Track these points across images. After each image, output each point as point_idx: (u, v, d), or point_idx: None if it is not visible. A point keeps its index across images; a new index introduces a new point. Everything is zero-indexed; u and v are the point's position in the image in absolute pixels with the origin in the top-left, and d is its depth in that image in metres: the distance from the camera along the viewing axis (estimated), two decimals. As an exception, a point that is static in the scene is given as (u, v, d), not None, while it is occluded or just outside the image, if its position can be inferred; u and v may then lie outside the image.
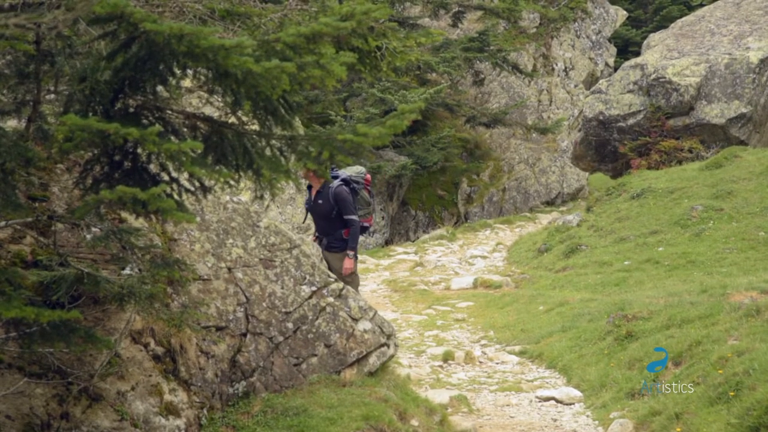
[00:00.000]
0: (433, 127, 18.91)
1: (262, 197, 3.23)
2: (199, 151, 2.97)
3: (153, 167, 3.03)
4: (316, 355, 4.91)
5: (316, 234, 7.13)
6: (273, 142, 3.09)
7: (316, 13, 3.19)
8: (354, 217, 6.89)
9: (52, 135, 2.98)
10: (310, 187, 6.98)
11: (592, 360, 6.94)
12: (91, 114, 2.89)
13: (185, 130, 3.11)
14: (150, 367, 3.94)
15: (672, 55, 17.51)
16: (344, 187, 6.85)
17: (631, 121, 17.07)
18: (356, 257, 6.98)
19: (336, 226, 6.86)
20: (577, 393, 6.41)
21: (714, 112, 16.35)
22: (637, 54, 21.27)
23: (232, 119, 3.10)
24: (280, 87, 2.66)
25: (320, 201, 6.81)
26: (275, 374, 4.75)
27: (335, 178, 6.88)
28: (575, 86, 23.11)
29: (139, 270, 3.59)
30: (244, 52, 2.58)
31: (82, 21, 2.78)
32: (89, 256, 3.72)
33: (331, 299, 5.09)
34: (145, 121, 3.01)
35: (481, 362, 7.82)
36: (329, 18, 2.75)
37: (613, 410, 5.76)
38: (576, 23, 23.51)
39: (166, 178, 3.05)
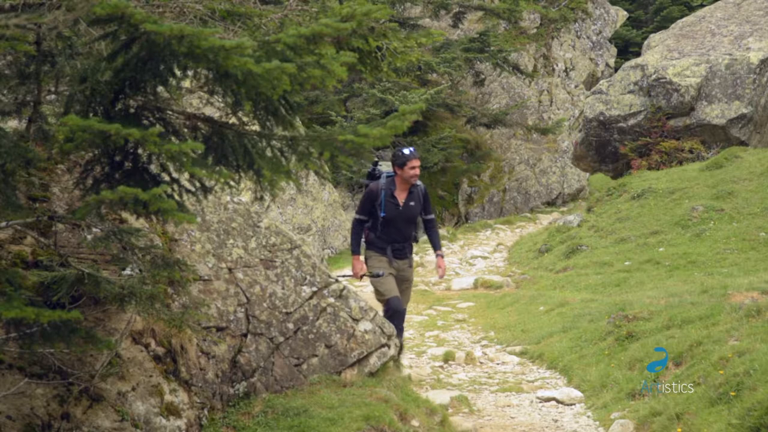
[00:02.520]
0: (433, 128, 18.91)
1: (262, 198, 3.23)
2: (200, 152, 2.97)
3: (154, 168, 3.03)
4: (316, 356, 4.91)
5: (379, 246, 6.25)
6: (274, 142, 3.09)
7: (317, 14, 3.19)
8: (434, 215, 6.51)
9: (53, 135, 2.99)
10: (379, 192, 6.19)
11: (593, 360, 6.93)
12: (91, 114, 2.90)
13: (186, 130, 3.11)
14: (151, 368, 3.94)
15: (672, 55, 17.51)
16: None
17: (631, 122, 17.07)
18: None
19: (414, 229, 6.41)
20: (577, 393, 6.41)
21: (714, 113, 16.34)
22: (638, 54, 21.26)
23: (233, 120, 3.10)
24: (281, 87, 2.66)
25: (412, 203, 6.25)
26: (276, 375, 4.75)
27: (376, 176, 6.36)
28: (576, 87, 23.11)
29: (140, 270, 3.59)
30: (244, 52, 2.58)
31: (83, 21, 2.78)
32: (90, 256, 3.72)
33: (331, 300, 5.09)
34: (145, 122, 3.01)
35: (481, 363, 7.82)
36: (329, 19, 2.75)
37: (613, 411, 5.76)
38: (576, 24, 23.52)
39: (166, 178, 3.05)
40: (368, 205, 6.29)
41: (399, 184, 6.24)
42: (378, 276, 6.18)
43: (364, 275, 6.28)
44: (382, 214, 6.19)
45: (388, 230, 6.24)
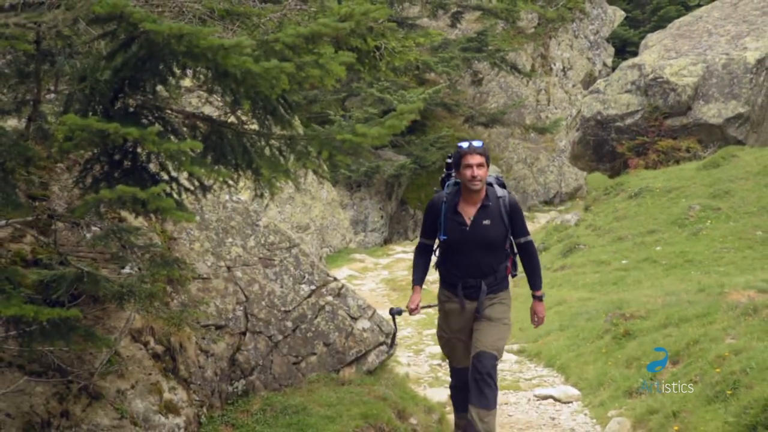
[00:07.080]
0: (431, 127, 18.93)
1: (261, 196, 3.24)
2: (199, 151, 2.98)
3: (152, 166, 3.04)
4: (315, 354, 4.93)
5: (449, 281, 4.51)
6: (272, 141, 3.11)
7: (315, 14, 3.21)
8: (531, 237, 4.53)
9: (52, 134, 2.99)
10: (440, 206, 4.42)
11: (590, 359, 6.96)
12: (91, 113, 2.90)
13: (185, 129, 3.13)
14: (150, 366, 3.95)
15: (670, 55, 17.53)
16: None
17: (628, 121, 17.08)
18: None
19: (502, 258, 4.45)
20: (575, 391, 6.43)
21: (711, 112, 16.36)
22: (635, 54, 21.28)
23: (232, 119, 3.11)
24: (279, 87, 2.68)
25: (487, 221, 4.34)
26: (274, 373, 4.77)
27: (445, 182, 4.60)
28: (573, 86, 23.13)
29: (139, 269, 3.60)
30: (243, 52, 2.60)
31: (82, 21, 2.79)
32: (89, 254, 3.73)
33: (330, 298, 5.10)
34: (144, 121, 3.02)
35: (479, 361, 7.82)
36: (328, 18, 2.77)
37: (611, 409, 5.78)
38: (574, 23, 23.54)
39: (165, 177, 3.06)
40: (428, 225, 4.50)
41: (466, 194, 4.37)
42: (399, 314, 4.63)
43: (413, 310, 4.52)
44: (442, 237, 4.39)
45: (456, 260, 4.43)
